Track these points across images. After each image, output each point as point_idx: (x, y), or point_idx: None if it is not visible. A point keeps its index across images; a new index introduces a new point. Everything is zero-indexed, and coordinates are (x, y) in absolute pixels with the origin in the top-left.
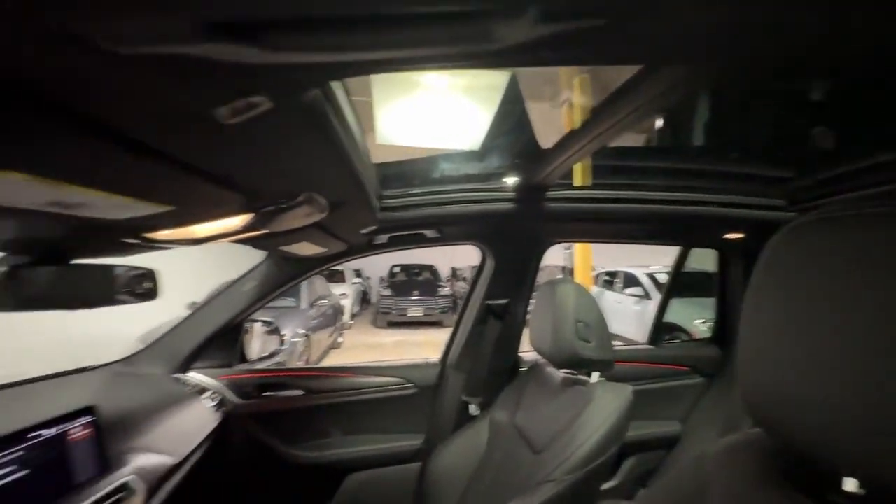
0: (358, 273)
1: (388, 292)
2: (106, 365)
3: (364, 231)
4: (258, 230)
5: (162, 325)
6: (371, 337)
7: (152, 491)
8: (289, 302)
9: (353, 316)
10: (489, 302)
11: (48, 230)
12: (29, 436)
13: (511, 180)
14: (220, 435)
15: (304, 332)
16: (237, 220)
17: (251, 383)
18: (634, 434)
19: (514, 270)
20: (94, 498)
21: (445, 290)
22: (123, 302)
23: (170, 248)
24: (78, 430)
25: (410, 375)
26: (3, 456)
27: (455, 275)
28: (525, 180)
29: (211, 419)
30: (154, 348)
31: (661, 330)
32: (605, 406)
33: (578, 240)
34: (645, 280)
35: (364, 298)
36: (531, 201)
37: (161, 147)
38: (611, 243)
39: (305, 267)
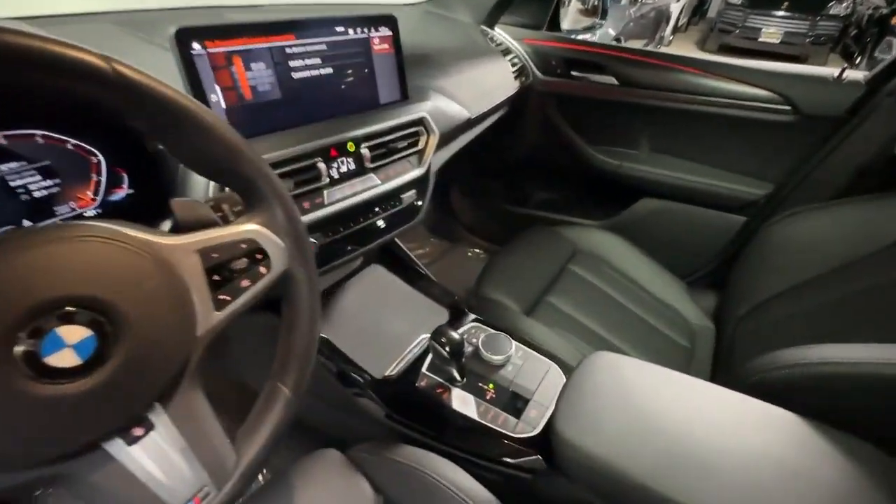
0: None
1: (739, 0)
2: (419, 3)
3: None
4: None
5: None
6: None
7: (445, 138)
8: None
9: (676, 30)
10: None
11: None
12: (334, 28)
13: None
14: (520, 105)
15: (614, 34)
16: None
17: (559, 56)
18: None
19: None
20: (388, 124)
21: (838, 9)
22: None
23: None
24: (379, 40)
25: (794, 94)
26: (300, 45)
27: None
28: None
29: (510, 85)
30: None
31: None
32: None
33: None
34: None
35: (699, 8)
36: None
37: None
38: None
39: None
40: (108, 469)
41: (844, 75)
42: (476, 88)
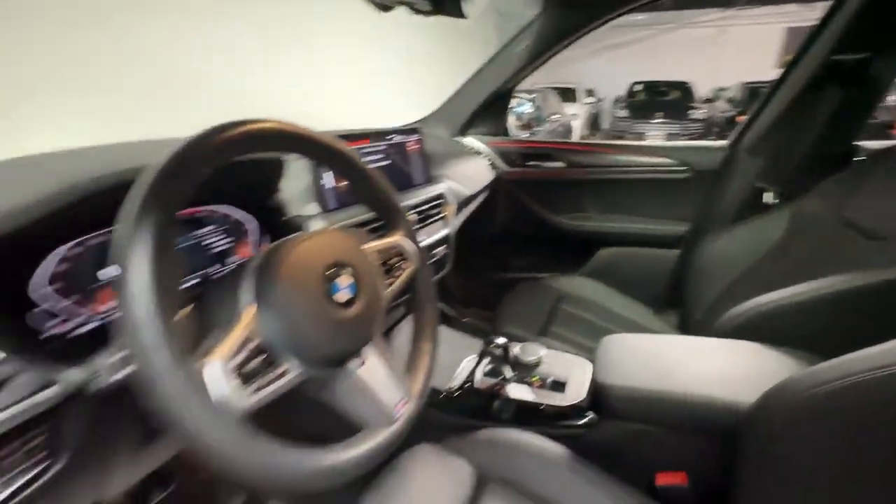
0: (591, 93)
1: (624, 113)
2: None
3: None
4: None
5: None
6: None
7: (457, 208)
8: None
9: (583, 138)
10: (838, 57)
11: None
12: (387, 137)
13: None
14: (491, 193)
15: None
16: None
17: (517, 152)
18: None
19: None
20: (424, 197)
21: (698, 114)
22: None
23: None
24: (413, 143)
25: (687, 158)
26: (372, 146)
27: (717, 97)
28: None
29: (487, 174)
30: (439, 113)
31: None
32: None
33: None
34: None
35: (594, 123)
36: None
37: None
38: None
39: (584, 16)
40: (350, 380)
41: (717, 143)
42: (466, 176)
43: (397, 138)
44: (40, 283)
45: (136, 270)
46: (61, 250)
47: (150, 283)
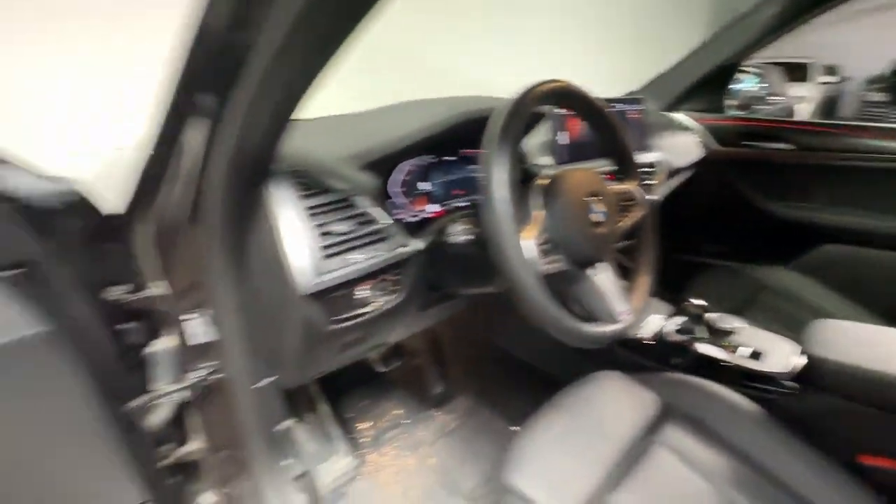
0: (831, 70)
1: (880, 97)
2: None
3: None
4: None
5: None
6: None
7: (668, 174)
8: None
9: None
10: None
11: None
12: (612, 104)
13: None
14: (695, 172)
15: None
16: None
17: (733, 130)
18: None
19: None
20: (644, 161)
21: None
22: None
23: None
24: (634, 112)
25: None
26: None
27: None
28: None
29: (696, 150)
30: (652, 85)
31: None
32: None
33: None
34: None
35: (829, 108)
36: None
37: None
38: None
39: None
40: (589, 282)
41: None
42: (676, 149)
43: (620, 106)
44: (394, 183)
45: (498, 172)
46: (406, 164)
47: (507, 180)
